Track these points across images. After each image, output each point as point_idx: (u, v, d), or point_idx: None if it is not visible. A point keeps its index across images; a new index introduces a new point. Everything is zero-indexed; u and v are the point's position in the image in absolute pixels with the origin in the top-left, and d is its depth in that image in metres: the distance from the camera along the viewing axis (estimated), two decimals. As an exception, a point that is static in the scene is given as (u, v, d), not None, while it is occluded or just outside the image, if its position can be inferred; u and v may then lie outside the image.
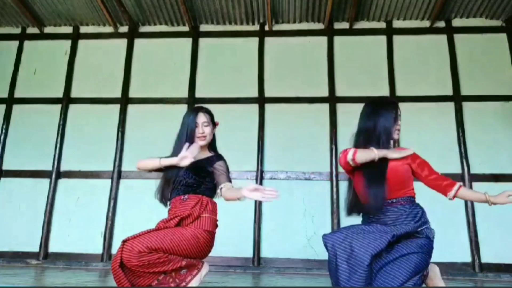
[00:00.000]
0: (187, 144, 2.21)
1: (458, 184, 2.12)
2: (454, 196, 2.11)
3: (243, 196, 1.97)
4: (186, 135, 2.31)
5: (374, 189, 2.05)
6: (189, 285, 2.10)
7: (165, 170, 2.33)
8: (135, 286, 2.04)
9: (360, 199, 2.15)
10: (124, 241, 2.06)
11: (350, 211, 2.22)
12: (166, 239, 2.06)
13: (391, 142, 2.20)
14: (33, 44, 4.97)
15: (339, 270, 1.97)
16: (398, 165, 2.12)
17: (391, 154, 2.07)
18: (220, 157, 2.32)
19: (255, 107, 4.53)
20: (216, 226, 2.25)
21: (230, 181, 2.21)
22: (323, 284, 3.02)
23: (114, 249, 4.25)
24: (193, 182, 2.24)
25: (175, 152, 2.31)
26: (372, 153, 2.03)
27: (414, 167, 2.17)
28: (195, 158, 2.20)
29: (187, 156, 2.15)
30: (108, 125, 4.58)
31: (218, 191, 2.20)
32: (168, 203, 2.34)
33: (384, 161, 2.07)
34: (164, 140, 4.46)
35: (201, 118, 2.33)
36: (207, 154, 2.35)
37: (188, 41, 4.82)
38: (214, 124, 2.41)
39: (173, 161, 2.23)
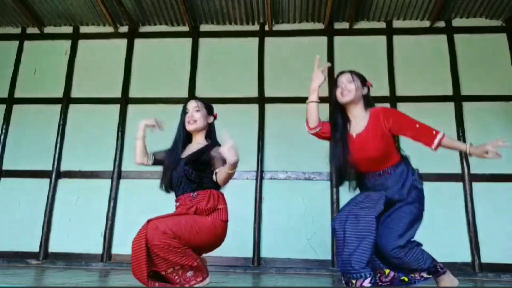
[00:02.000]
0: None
1: (438, 137, 2.13)
2: (438, 146, 2.14)
3: (230, 164, 2.00)
4: (180, 124, 2.40)
5: (337, 151, 2.20)
6: None
7: (162, 162, 2.41)
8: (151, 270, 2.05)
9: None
10: (148, 221, 2.10)
11: (340, 180, 2.31)
12: (187, 226, 2.08)
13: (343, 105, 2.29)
14: (33, 44, 4.97)
15: (347, 242, 2.02)
16: (372, 139, 2.16)
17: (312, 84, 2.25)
18: (215, 144, 2.29)
19: (255, 107, 4.53)
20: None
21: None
22: (323, 284, 3.02)
23: (114, 249, 4.25)
24: (195, 177, 2.23)
25: (173, 143, 2.42)
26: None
27: (393, 128, 2.16)
28: (190, 151, 2.27)
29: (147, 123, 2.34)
30: (108, 125, 4.58)
31: (213, 176, 2.20)
32: (175, 200, 2.33)
33: (343, 138, 2.20)
34: (164, 140, 4.49)
35: (192, 104, 2.39)
36: (203, 143, 2.35)
37: (188, 41, 4.82)
38: (209, 113, 2.42)
39: (140, 126, 2.47)
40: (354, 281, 1.98)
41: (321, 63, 2.33)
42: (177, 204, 2.29)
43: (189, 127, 2.36)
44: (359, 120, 2.26)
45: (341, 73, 2.33)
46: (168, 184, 2.36)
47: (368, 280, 1.95)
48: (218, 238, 2.21)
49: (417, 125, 2.17)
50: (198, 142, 2.38)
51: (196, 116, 2.36)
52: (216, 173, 2.19)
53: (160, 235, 2.01)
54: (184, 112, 2.41)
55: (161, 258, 2.06)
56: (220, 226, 2.19)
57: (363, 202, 2.13)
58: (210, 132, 2.42)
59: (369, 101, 2.31)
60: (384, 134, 2.17)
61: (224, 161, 2.11)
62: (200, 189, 2.23)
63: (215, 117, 2.46)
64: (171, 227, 2.04)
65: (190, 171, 2.23)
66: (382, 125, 2.17)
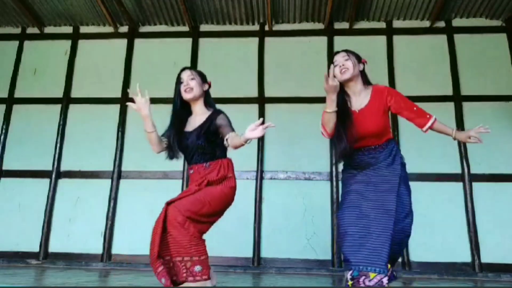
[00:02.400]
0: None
1: (430, 120, 2.31)
2: (429, 128, 2.32)
3: (247, 138, 2.10)
4: (176, 95, 2.44)
5: (338, 137, 2.34)
6: (195, 284, 2.19)
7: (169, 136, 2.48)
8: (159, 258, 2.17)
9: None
10: (168, 203, 2.26)
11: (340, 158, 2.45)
12: (201, 201, 2.25)
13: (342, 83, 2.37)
14: (33, 44, 4.97)
15: (349, 234, 2.19)
16: (373, 115, 2.29)
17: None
18: (218, 112, 2.39)
19: (255, 107, 4.53)
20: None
21: (233, 130, 2.31)
22: (323, 284, 3.02)
23: (114, 249, 4.25)
24: (208, 149, 2.36)
25: (172, 115, 2.53)
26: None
27: (394, 106, 2.33)
28: (197, 123, 2.37)
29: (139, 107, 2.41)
30: (108, 125, 4.58)
31: (225, 142, 2.27)
32: (189, 168, 2.46)
33: (346, 114, 2.32)
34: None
35: (186, 73, 2.44)
36: (205, 113, 2.42)
37: (188, 41, 4.81)
38: (204, 81, 2.47)
39: (145, 119, 2.49)
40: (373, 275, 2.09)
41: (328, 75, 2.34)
42: (191, 172, 2.41)
43: (186, 95, 2.40)
44: (360, 96, 2.37)
45: (336, 53, 2.43)
46: (174, 155, 2.49)
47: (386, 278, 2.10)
48: (227, 203, 2.36)
49: (415, 108, 2.34)
50: (200, 112, 2.43)
51: (191, 84, 2.40)
52: (227, 139, 2.26)
53: (181, 212, 2.17)
54: (179, 82, 2.44)
55: (174, 242, 2.17)
56: (229, 193, 2.34)
57: (359, 194, 2.29)
58: (207, 99, 2.47)
59: (366, 77, 2.42)
60: (385, 111, 2.32)
61: (231, 128, 2.29)
62: (213, 159, 2.36)
63: (209, 85, 2.52)
64: (188, 207, 2.19)
65: (203, 144, 2.35)
66: (384, 102, 2.30)
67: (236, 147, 2.22)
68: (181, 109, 2.48)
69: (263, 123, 2.10)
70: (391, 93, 2.34)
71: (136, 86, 2.48)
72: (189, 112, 2.50)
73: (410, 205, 2.29)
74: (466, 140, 2.27)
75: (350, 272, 2.14)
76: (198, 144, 2.35)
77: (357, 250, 2.15)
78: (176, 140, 2.43)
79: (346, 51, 2.41)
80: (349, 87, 2.39)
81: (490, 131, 2.21)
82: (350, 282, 2.13)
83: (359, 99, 2.36)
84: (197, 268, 2.19)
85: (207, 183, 2.32)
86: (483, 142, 2.25)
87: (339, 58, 2.37)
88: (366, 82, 2.41)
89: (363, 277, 2.09)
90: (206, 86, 2.49)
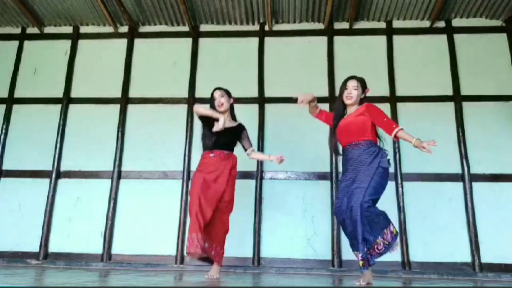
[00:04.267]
0: (221, 121, 3.05)
1: (396, 129, 2.74)
2: (395, 137, 2.75)
3: (271, 159, 3.17)
4: (212, 107, 3.22)
5: (330, 138, 3.04)
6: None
7: (207, 126, 3.15)
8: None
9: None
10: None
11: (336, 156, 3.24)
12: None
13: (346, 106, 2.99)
14: (33, 44, 4.97)
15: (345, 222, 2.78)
16: (353, 119, 2.88)
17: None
18: (244, 127, 3.29)
19: (255, 107, 4.53)
20: None
21: (252, 145, 3.28)
22: (323, 284, 3.02)
23: (114, 249, 4.25)
24: (230, 142, 3.20)
25: (209, 121, 3.19)
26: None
27: (369, 117, 2.84)
28: (227, 125, 3.14)
29: (220, 127, 3.05)
30: (108, 125, 4.58)
31: (248, 151, 3.24)
32: (211, 152, 3.13)
33: (335, 123, 2.98)
34: (164, 140, 4.51)
35: (217, 92, 3.25)
36: (233, 123, 3.28)
37: (188, 41, 4.82)
38: (230, 96, 3.28)
39: (215, 116, 3.10)
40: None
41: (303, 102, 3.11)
42: (212, 155, 3.10)
43: (220, 109, 3.19)
44: (351, 108, 2.99)
45: (351, 78, 2.97)
46: (204, 145, 3.21)
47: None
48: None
49: (385, 119, 2.83)
50: (229, 119, 3.24)
51: (222, 100, 3.21)
52: (249, 151, 3.24)
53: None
54: (213, 99, 3.22)
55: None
56: (235, 177, 3.20)
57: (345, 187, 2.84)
58: (232, 110, 3.32)
59: (362, 101, 2.99)
60: (362, 115, 2.87)
61: (250, 141, 3.28)
62: (231, 151, 3.20)
63: (234, 100, 3.33)
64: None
65: (229, 138, 3.18)
66: (362, 111, 2.89)
67: (254, 158, 3.31)
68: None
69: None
70: (369, 106, 2.89)
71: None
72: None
73: (358, 201, 2.68)
74: (420, 148, 2.66)
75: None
76: (226, 136, 3.14)
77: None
78: (206, 134, 3.17)
79: (359, 80, 2.95)
80: (348, 106, 3.00)
81: (436, 144, 2.63)
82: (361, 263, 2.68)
83: (351, 110, 2.99)
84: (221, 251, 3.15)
85: (231, 166, 3.13)
86: (432, 153, 2.67)
87: (350, 84, 2.93)
88: (361, 103, 2.97)
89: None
90: (231, 100, 3.29)
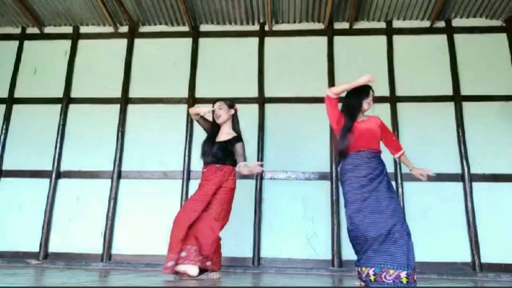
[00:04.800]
0: (200, 109, 3.28)
1: (402, 150, 3.06)
2: (399, 158, 3.08)
3: (246, 173, 3.02)
4: (213, 120, 3.32)
5: (341, 141, 2.90)
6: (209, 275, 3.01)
7: (206, 141, 3.26)
8: None
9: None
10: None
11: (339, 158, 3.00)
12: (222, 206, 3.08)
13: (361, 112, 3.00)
14: (33, 44, 4.97)
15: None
16: (372, 127, 2.92)
17: (356, 83, 2.91)
18: (238, 139, 3.16)
19: (255, 107, 4.53)
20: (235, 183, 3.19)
21: (245, 159, 3.10)
22: (323, 284, 3.03)
23: (114, 249, 4.25)
24: (222, 156, 3.14)
25: (208, 133, 3.33)
26: (344, 85, 2.95)
27: (381, 131, 2.98)
28: (221, 139, 3.20)
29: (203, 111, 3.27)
30: (108, 125, 4.58)
31: (237, 167, 3.11)
32: (204, 166, 3.19)
33: (350, 123, 2.91)
34: (164, 140, 4.51)
35: (216, 104, 3.27)
36: (230, 134, 3.21)
37: (188, 41, 4.82)
38: (230, 107, 3.27)
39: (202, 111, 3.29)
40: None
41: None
42: (205, 170, 3.15)
43: (217, 121, 3.25)
44: (362, 118, 3.04)
45: (371, 88, 3.02)
46: (202, 155, 3.27)
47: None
48: (230, 202, 3.13)
49: (394, 138, 3.10)
50: (226, 132, 3.23)
51: (220, 113, 3.23)
52: (239, 166, 3.07)
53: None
54: (213, 111, 3.27)
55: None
56: (231, 193, 3.12)
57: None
58: (234, 121, 3.28)
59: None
60: (378, 127, 2.99)
61: (243, 157, 3.10)
62: (223, 164, 3.13)
63: (235, 110, 3.31)
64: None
65: (220, 153, 3.14)
66: (379, 123, 3.02)
67: (243, 174, 3.09)
68: (213, 126, 3.31)
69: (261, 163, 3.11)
70: (382, 121, 3.04)
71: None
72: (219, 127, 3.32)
73: (402, 215, 2.75)
74: (417, 175, 3.03)
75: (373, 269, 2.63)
76: (217, 151, 3.14)
77: None
78: (205, 146, 3.24)
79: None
80: (362, 111, 3.03)
81: (435, 175, 3.05)
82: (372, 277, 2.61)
83: (362, 117, 3.03)
84: (208, 263, 3.02)
85: (220, 183, 3.07)
86: (425, 180, 3.05)
87: (371, 94, 3.00)
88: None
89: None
90: (232, 111, 3.28)
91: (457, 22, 4.64)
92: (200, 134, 3.64)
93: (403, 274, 2.52)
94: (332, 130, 4.33)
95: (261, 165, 3.06)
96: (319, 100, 4.49)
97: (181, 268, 2.87)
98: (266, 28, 4.79)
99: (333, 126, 3.03)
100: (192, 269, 2.87)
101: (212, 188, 3.03)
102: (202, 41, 4.83)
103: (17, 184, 4.49)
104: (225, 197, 3.06)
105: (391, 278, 2.52)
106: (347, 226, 2.80)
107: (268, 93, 4.58)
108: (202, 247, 2.93)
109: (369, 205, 2.70)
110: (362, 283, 2.68)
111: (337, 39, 4.70)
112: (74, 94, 4.74)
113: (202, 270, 2.97)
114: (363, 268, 2.64)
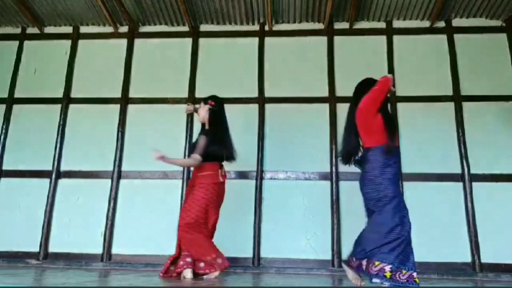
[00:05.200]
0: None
1: None
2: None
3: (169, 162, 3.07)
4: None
5: (391, 137, 2.84)
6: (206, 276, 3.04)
7: None
8: None
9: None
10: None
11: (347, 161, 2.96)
12: (186, 208, 3.13)
13: None
14: (33, 44, 4.97)
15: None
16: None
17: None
18: (204, 132, 3.15)
19: (255, 107, 4.53)
20: (215, 178, 3.10)
21: (197, 152, 3.03)
22: (323, 284, 3.02)
23: (114, 249, 4.25)
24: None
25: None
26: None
27: None
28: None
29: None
30: (108, 125, 4.58)
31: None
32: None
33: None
34: (164, 140, 4.50)
35: (199, 105, 3.33)
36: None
37: (188, 41, 4.81)
38: (205, 103, 3.26)
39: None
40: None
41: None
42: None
43: (200, 121, 3.32)
44: None
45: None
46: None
47: None
48: (211, 198, 3.07)
49: None
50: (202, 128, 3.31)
51: (199, 112, 3.28)
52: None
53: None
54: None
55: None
56: (207, 189, 3.06)
57: None
58: (210, 116, 3.22)
59: None
60: None
61: (198, 150, 3.02)
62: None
63: (210, 104, 3.24)
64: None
65: (190, 152, 3.18)
66: None
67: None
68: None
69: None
70: None
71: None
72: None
73: None
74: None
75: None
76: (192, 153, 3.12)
77: None
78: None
79: None
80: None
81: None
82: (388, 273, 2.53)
83: None
84: (201, 265, 3.10)
85: (193, 183, 3.10)
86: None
87: None
88: None
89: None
90: (207, 106, 3.24)
91: (457, 22, 4.64)
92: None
93: (415, 274, 2.55)
94: (331, 130, 4.34)
95: (160, 157, 2.97)
96: (319, 100, 4.51)
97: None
98: (266, 28, 4.78)
99: (371, 105, 2.82)
100: (186, 272, 3.00)
101: (190, 189, 3.17)
102: (202, 41, 4.83)
103: (17, 184, 4.49)
104: (193, 200, 3.08)
105: (404, 278, 2.54)
106: (404, 225, 2.62)
107: (268, 93, 4.58)
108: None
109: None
110: (363, 283, 2.67)
111: (337, 39, 4.69)
112: (74, 94, 4.74)
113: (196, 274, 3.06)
114: (377, 263, 2.56)
